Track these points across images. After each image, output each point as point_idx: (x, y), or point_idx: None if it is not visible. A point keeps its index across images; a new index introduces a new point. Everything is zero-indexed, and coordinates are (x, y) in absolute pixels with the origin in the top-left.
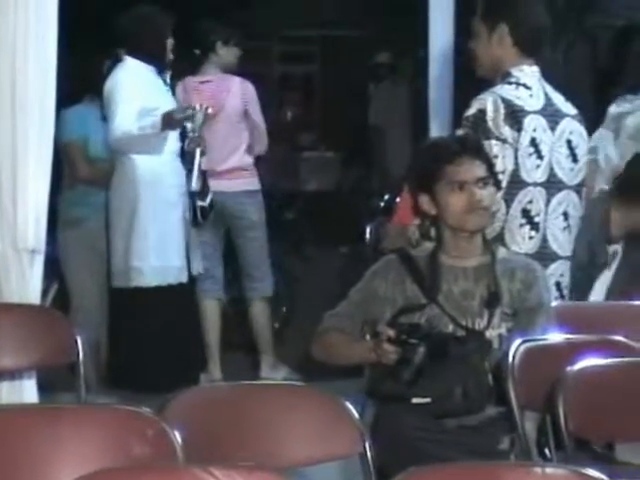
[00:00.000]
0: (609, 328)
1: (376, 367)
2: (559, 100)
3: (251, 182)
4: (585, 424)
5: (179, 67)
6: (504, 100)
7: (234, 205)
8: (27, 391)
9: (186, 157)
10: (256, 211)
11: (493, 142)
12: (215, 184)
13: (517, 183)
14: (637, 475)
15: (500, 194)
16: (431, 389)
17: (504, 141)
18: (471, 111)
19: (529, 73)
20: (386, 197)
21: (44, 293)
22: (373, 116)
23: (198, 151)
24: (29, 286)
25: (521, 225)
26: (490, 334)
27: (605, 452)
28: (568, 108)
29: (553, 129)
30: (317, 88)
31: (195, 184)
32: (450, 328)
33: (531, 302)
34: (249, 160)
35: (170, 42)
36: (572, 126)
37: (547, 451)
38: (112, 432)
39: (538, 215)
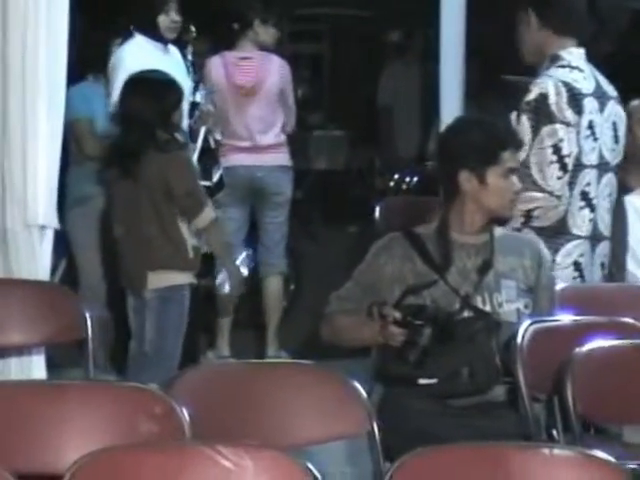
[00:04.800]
0: (617, 310)
1: (383, 349)
2: (604, 82)
3: (286, 158)
4: (593, 406)
5: (220, 42)
6: (565, 84)
7: (271, 180)
8: (36, 367)
9: (192, 134)
10: (290, 187)
11: (558, 126)
12: (252, 158)
13: (577, 166)
14: None
15: (567, 177)
16: (438, 370)
17: (568, 124)
18: (531, 96)
19: (578, 55)
20: (395, 176)
21: (53, 270)
22: (382, 95)
23: (203, 129)
24: (38, 262)
25: (581, 208)
26: (508, 308)
27: (613, 434)
28: (611, 90)
29: (602, 111)
30: (326, 67)
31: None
32: (457, 305)
33: (545, 280)
34: (283, 138)
35: (166, 19)
36: (616, 108)
37: (555, 433)
38: (120, 409)
39: (595, 197)
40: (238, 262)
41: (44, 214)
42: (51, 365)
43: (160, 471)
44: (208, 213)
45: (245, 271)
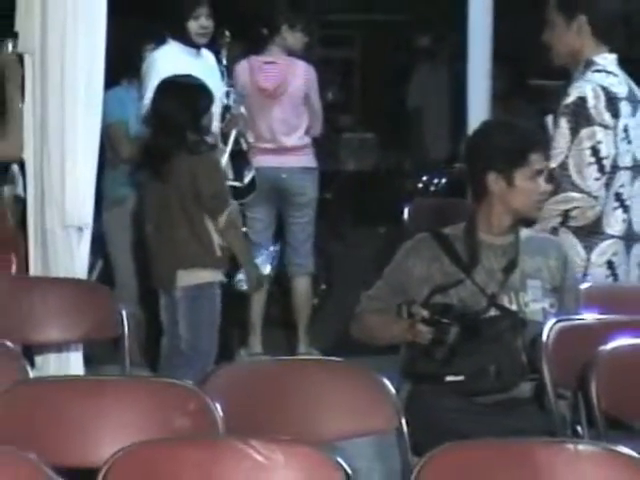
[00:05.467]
0: None
1: (412, 346)
2: (635, 87)
3: (310, 159)
4: (617, 402)
5: (251, 46)
6: (603, 88)
7: (294, 181)
8: (73, 363)
9: (224, 137)
10: (313, 188)
11: (596, 128)
12: (277, 160)
13: (614, 167)
14: None
15: (604, 179)
16: (465, 367)
17: (606, 127)
18: (570, 99)
19: (612, 60)
20: (424, 178)
21: (90, 269)
22: (412, 98)
23: (234, 132)
24: (76, 262)
25: (614, 208)
26: (534, 307)
27: (637, 430)
28: None
29: (634, 115)
30: (357, 71)
31: (223, 164)
32: (484, 304)
33: (571, 281)
34: (308, 140)
35: (195, 24)
36: None
37: (579, 428)
38: (155, 404)
39: (628, 198)
40: (259, 260)
41: (81, 216)
42: (88, 361)
43: (194, 465)
44: (228, 214)
45: (267, 269)
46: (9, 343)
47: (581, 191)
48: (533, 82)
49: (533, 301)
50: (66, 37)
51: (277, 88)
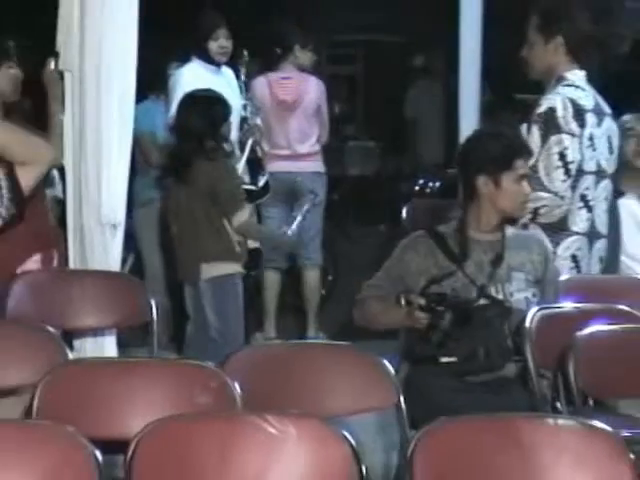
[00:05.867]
0: (615, 298)
1: (410, 331)
2: (601, 100)
3: (320, 165)
4: (592, 382)
5: (266, 64)
6: (571, 100)
7: (307, 184)
8: (107, 347)
9: (242, 145)
10: (323, 190)
11: (564, 136)
12: (292, 165)
13: (579, 172)
14: (638, 426)
15: (570, 181)
16: (457, 350)
17: (573, 135)
18: (542, 109)
19: (581, 77)
20: (420, 181)
21: (123, 263)
22: (409, 110)
23: (250, 141)
24: (110, 256)
25: (579, 208)
26: (518, 296)
27: (609, 406)
28: (607, 108)
29: (599, 125)
30: (360, 86)
31: (240, 169)
32: (474, 294)
33: (552, 274)
34: (318, 148)
35: (214, 44)
36: (610, 123)
37: (559, 405)
38: (180, 383)
39: (592, 200)
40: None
41: (115, 215)
42: (121, 345)
43: (215, 437)
44: (243, 214)
45: (299, 219)
46: (51, 328)
47: (549, 191)
48: (518, 96)
49: (517, 291)
50: (102, 56)
51: (295, 101)
